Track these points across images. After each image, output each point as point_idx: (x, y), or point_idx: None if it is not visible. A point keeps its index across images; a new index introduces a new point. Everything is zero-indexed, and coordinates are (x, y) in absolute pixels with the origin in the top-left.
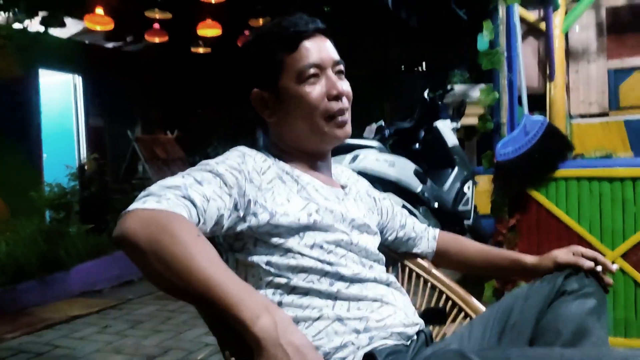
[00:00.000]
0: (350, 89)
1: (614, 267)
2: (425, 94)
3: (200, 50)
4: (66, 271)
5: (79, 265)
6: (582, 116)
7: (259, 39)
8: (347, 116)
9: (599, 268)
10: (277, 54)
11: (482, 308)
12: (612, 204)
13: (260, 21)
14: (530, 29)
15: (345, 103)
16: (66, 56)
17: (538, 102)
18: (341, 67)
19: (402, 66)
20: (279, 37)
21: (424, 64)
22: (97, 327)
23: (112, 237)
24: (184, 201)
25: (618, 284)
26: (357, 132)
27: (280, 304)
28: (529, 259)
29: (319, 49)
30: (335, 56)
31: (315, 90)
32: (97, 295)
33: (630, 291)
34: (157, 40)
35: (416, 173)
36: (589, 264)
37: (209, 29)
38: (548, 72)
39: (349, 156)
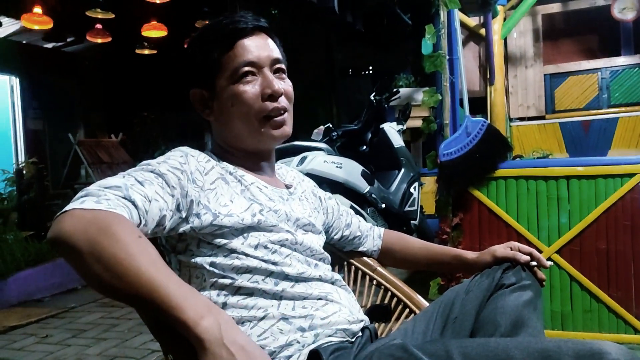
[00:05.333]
0: (290, 88)
1: (548, 263)
2: (372, 97)
3: (146, 51)
4: (3, 280)
5: (16, 274)
6: (521, 119)
7: (199, 37)
8: (285, 116)
9: (534, 263)
10: (213, 52)
11: (426, 304)
12: (548, 202)
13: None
14: (471, 35)
15: (282, 102)
16: (2, 56)
17: (479, 105)
18: (281, 65)
19: (349, 70)
20: (216, 35)
21: (370, 67)
22: (37, 337)
23: (47, 239)
24: (124, 202)
25: (554, 278)
26: (305, 135)
27: (224, 305)
28: (470, 254)
29: (257, 47)
30: (275, 54)
31: (249, 90)
32: (37, 304)
33: (566, 285)
34: (99, 40)
35: (363, 174)
36: (525, 258)
37: (154, 30)
38: (488, 76)
39: (296, 158)
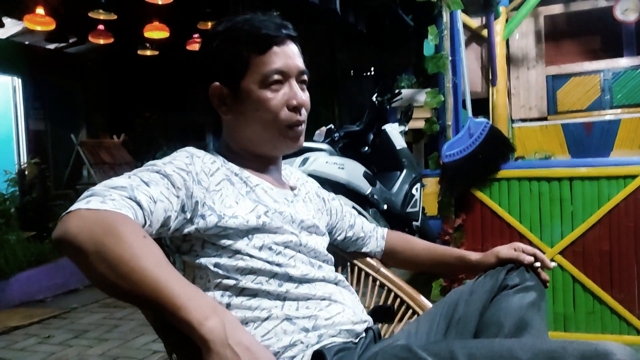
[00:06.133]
0: (309, 100)
1: (552, 264)
2: (374, 98)
3: (147, 52)
4: (5, 280)
5: (18, 274)
6: (523, 120)
7: (228, 32)
8: (303, 127)
9: (538, 264)
10: (244, 53)
11: (430, 305)
12: (550, 203)
13: (209, 24)
14: (474, 36)
15: (303, 115)
16: (5, 57)
17: (481, 106)
18: (305, 77)
19: (351, 71)
20: (249, 36)
21: (372, 68)
22: (39, 338)
23: (52, 238)
24: (129, 202)
25: (557, 280)
26: (307, 136)
27: (229, 305)
28: (473, 255)
29: (287, 56)
30: (302, 65)
31: (276, 98)
32: (39, 304)
33: (569, 287)
34: (101, 41)
35: (365, 175)
36: (529, 258)
37: (156, 31)
38: (490, 77)
39: (299, 159)
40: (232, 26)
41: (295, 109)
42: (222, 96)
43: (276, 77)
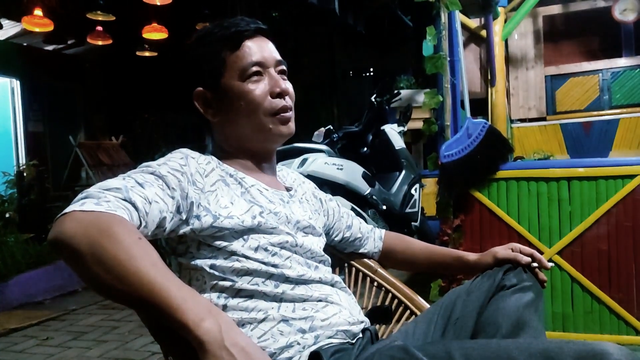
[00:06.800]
0: (292, 89)
1: (549, 264)
2: (373, 99)
3: (146, 53)
4: (4, 283)
5: (17, 276)
6: (522, 120)
7: (201, 38)
8: (291, 113)
9: (535, 264)
10: (219, 53)
11: (427, 306)
12: (549, 203)
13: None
14: (472, 36)
15: (288, 101)
16: (3, 59)
17: (480, 106)
18: (283, 67)
19: (350, 71)
20: (221, 36)
21: (371, 69)
22: (38, 340)
23: (47, 241)
24: (124, 203)
25: (555, 279)
26: (306, 136)
27: (225, 307)
28: (471, 256)
29: (261, 48)
30: (278, 56)
31: (258, 88)
32: (38, 306)
33: (567, 286)
34: (100, 43)
35: (364, 176)
36: (526, 259)
37: (155, 33)
38: (489, 77)
39: (297, 160)
40: (203, 33)
41: (279, 96)
42: (206, 100)
43: (254, 68)
